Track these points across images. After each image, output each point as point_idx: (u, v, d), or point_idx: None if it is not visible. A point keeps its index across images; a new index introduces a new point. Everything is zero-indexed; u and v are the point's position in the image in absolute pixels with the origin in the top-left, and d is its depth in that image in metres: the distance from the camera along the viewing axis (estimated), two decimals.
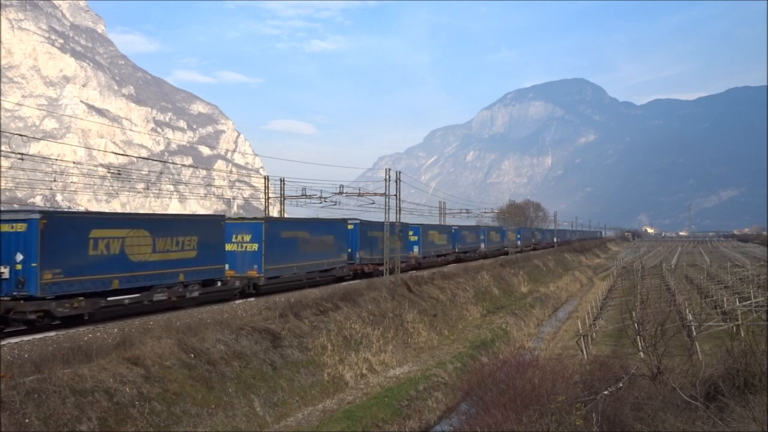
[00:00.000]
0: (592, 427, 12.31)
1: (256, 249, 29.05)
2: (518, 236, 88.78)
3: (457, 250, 61.54)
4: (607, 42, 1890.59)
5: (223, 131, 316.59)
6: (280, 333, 21.25)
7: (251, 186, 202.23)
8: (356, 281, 36.05)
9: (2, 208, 18.26)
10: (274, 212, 41.99)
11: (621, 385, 15.24)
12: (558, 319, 43.62)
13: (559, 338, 34.59)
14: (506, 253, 76.03)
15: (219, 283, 26.09)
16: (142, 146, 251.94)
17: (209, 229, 25.41)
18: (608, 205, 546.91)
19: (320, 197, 40.61)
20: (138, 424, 13.60)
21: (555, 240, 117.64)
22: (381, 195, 38.71)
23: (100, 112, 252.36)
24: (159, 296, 22.32)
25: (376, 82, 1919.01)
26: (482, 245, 70.38)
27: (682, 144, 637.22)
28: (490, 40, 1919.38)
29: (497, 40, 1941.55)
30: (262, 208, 43.00)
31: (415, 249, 48.93)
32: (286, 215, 42.04)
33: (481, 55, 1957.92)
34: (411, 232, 48.86)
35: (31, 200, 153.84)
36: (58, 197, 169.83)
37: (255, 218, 32.36)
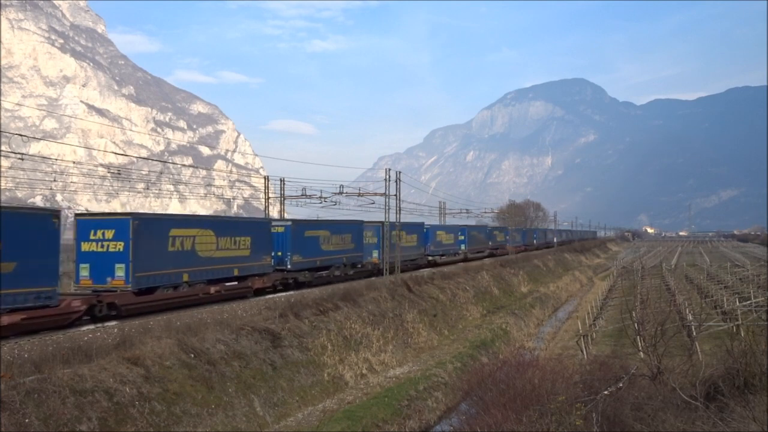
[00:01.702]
0: (592, 427, 12.30)
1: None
2: (461, 238, 61.37)
3: (288, 268, 31.45)
4: (607, 42, 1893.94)
5: (223, 131, 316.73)
6: (280, 333, 21.26)
7: (251, 186, 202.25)
8: (356, 281, 35.85)
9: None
10: (274, 212, 41.99)
11: (621, 385, 15.23)
12: (558, 319, 43.61)
13: (559, 338, 34.57)
14: (433, 265, 51.22)
15: None
16: (142, 146, 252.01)
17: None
18: (608, 205, 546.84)
19: (320, 197, 40.64)
20: (138, 424, 13.60)
21: (555, 241, 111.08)
22: (381, 195, 38.75)
23: (100, 112, 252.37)
24: None
25: (377, 82, 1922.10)
26: (374, 253, 41.52)
27: (682, 144, 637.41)
28: (490, 39, 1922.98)
29: (497, 39, 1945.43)
30: (262, 208, 42.99)
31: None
32: (286, 215, 42.02)
33: (481, 55, 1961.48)
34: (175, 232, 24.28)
35: (31, 200, 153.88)
36: (58, 197, 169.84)
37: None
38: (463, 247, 61.48)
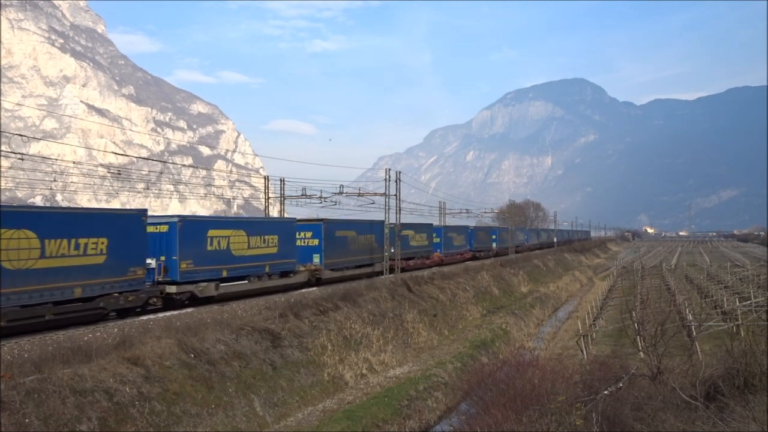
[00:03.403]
0: (592, 427, 12.30)
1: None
2: (311, 243, 34.62)
3: None
4: (608, 42, 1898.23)
5: (223, 131, 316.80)
6: (280, 333, 21.25)
7: (251, 186, 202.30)
8: (356, 282, 35.53)
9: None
10: (274, 212, 41.97)
11: (621, 385, 15.23)
12: (558, 319, 43.60)
13: (559, 338, 34.57)
14: (296, 287, 31.02)
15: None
16: (142, 146, 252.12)
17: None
18: (608, 205, 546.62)
19: (320, 197, 40.60)
20: (138, 424, 13.59)
21: (557, 241, 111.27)
22: (381, 195, 38.75)
23: (100, 112, 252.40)
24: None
25: (377, 82, 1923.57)
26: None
27: (682, 144, 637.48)
28: (491, 39, 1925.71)
29: (498, 39, 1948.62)
30: (262, 208, 42.95)
31: None
32: (286, 215, 41.98)
33: (482, 55, 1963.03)
34: None
35: (31, 200, 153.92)
36: (58, 197, 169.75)
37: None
38: (365, 256, 37.83)
